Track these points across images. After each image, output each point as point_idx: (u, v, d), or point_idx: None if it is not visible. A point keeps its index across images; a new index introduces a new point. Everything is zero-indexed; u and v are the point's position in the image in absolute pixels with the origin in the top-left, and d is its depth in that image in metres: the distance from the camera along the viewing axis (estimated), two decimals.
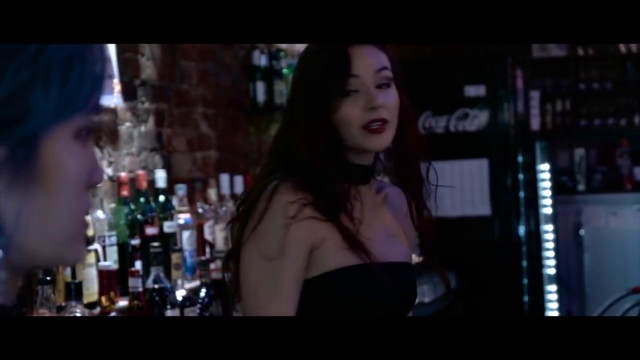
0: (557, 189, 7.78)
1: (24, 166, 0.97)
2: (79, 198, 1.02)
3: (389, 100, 2.29)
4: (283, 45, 5.45)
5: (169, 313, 3.53)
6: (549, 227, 7.46)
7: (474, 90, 6.78)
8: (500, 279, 6.59)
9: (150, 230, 3.86)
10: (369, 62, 2.28)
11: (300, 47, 5.67)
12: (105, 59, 1.05)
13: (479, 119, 6.76)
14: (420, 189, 2.35)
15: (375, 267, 2.21)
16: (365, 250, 2.22)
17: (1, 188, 0.96)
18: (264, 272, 2.19)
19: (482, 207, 6.69)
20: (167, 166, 4.43)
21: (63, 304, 3.21)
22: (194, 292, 3.78)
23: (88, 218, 0.93)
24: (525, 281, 6.73)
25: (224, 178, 4.51)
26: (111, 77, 3.99)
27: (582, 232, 8.44)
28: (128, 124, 4.23)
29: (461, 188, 6.72)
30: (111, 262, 3.58)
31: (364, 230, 2.26)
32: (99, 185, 1.07)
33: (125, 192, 3.79)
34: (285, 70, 5.08)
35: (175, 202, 4.06)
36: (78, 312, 3.17)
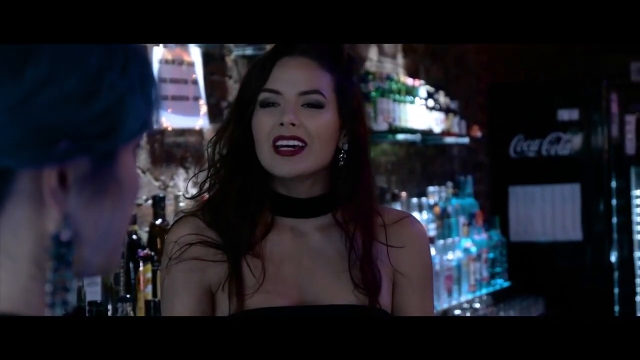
0: None
1: (102, 179, 0.99)
2: (130, 211, 1.05)
3: (312, 122, 1.98)
4: (371, 69, 5.47)
5: None
6: None
7: (567, 114, 6.73)
8: (591, 306, 6.50)
9: None
10: (294, 80, 2.00)
11: (389, 69, 5.68)
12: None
13: (571, 143, 6.70)
14: (369, 231, 2.04)
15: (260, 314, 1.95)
16: (241, 296, 1.97)
17: (77, 200, 0.98)
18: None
19: (573, 232, 6.61)
20: None
21: None
22: None
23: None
24: (617, 308, 6.62)
25: None
26: (198, 98, 4.05)
27: None
28: None
29: (552, 213, 6.65)
30: None
31: (284, 270, 2.01)
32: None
33: None
34: (373, 94, 5.10)
35: None
36: None
